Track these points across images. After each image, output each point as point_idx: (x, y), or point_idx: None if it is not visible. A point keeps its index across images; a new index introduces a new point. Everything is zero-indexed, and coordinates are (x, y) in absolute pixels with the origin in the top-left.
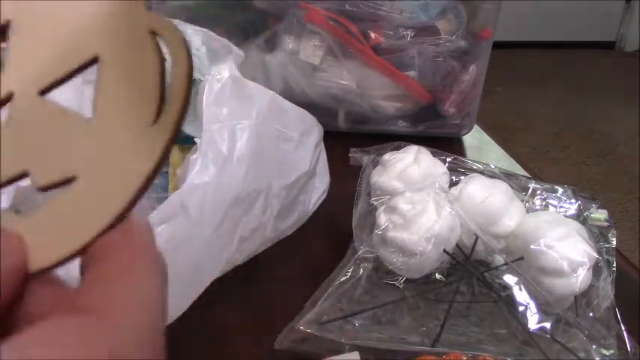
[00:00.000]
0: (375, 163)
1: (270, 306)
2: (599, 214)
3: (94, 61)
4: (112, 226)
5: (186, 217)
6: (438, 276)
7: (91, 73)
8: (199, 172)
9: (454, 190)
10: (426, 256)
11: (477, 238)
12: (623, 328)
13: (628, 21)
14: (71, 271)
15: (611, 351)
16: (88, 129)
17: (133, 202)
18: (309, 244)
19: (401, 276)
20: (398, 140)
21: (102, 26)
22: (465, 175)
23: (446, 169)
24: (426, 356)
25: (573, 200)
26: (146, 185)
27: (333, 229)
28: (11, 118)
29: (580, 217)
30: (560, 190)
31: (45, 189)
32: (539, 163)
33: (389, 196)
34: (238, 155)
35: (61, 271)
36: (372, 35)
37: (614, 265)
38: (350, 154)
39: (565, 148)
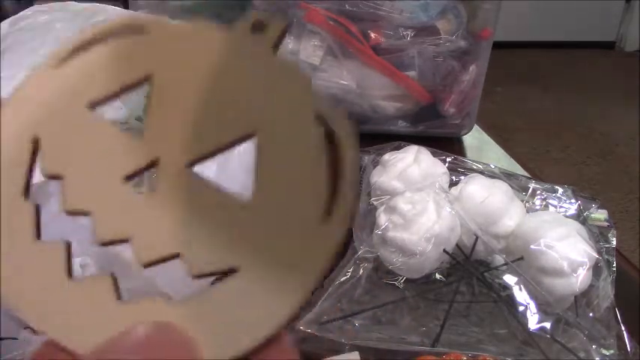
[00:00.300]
0: (375, 163)
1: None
2: (599, 214)
3: (249, 137)
4: (277, 334)
5: None
6: (438, 276)
7: None
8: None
9: (454, 190)
10: (426, 256)
11: (476, 238)
12: (623, 328)
13: (628, 21)
14: None
15: (611, 351)
16: (249, 214)
17: (301, 307)
18: None
19: (401, 276)
20: (398, 140)
21: (262, 100)
22: (465, 175)
23: (446, 169)
24: (426, 356)
25: (573, 200)
26: (316, 287)
27: None
28: (157, 189)
29: (580, 217)
30: (560, 190)
31: (199, 277)
32: (539, 163)
33: (389, 196)
34: (238, 153)
35: None
36: (372, 35)
37: (614, 265)
38: None
39: (565, 148)
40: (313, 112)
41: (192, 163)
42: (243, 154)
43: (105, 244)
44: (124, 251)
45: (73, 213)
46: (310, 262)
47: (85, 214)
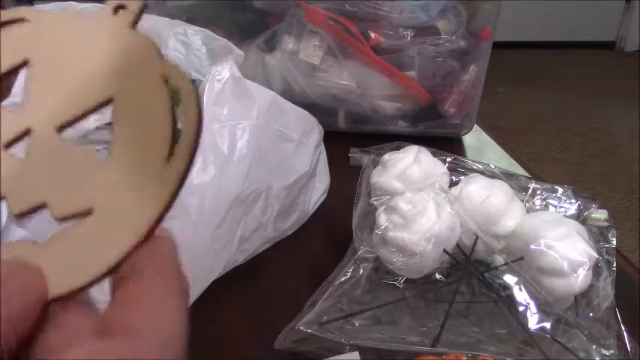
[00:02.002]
0: (375, 163)
1: (271, 306)
2: (599, 214)
3: (108, 101)
4: (120, 262)
5: (187, 218)
6: (438, 276)
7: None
8: (200, 173)
9: (454, 190)
10: (426, 256)
11: (476, 238)
12: (623, 328)
13: (628, 21)
14: (96, 294)
15: (611, 351)
16: (105, 165)
17: (144, 238)
18: (309, 244)
19: (401, 276)
20: (398, 140)
21: (116, 69)
22: (465, 175)
23: (446, 169)
24: (426, 356)
25: (573, 200)
26: (156, 223)
27: (333, 229)
28: (30, 152)
29: (580, 217)
30: (560, 190)
31: (62, 220)
32: (539, 163)
33: (389, 196)
34: (239, 156)
35: (93, 292)
36: (372, 35)
37: (614, 265)
38: (350, 154)
39: (565, 148)
40: (159, 75)
41: (61, 129)
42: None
43: None
44: None
45: None
46: (148, 202)
47: None
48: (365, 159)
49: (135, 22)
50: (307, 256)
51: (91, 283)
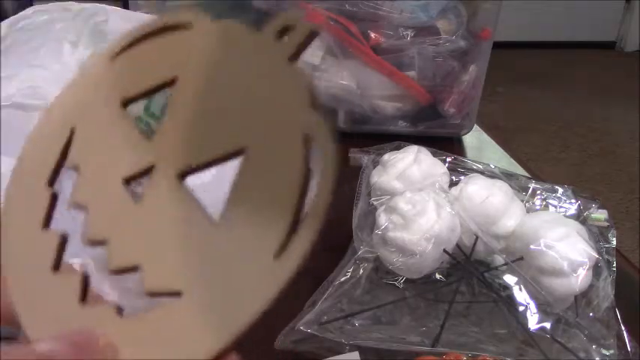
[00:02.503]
0: (375, 163)
1: (270, 306)
2: (599, 214)
3: (240, 152)
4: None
5: None
6: (438, 276)
7: None
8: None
9: (454, 190)
10: (426, 256)
11: (476, 238)
12: (623, 328)
13: (628, 21)
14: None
15: (611, 351)
16: (215, 236)
17: (238, 337)
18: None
19: (401, 276)
20: (398, 140)
21: (260, 118)
22: (465, 175)
23: (446, 169)
24: (426, 356)
25: (573, 200)
26: (260, 313)
27: (333, 229)
28: (145, 195)
29: (580, 217)
30: (560, 190)
31: (154, 295)
32: (539, 163)
33: (389, 196)
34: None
35: None
36: (372, 35)
37: (614, 265)
38: (350, 155)
39: (565, 148)
40: (302, 135)
41: (183, 174)
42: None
43: (89, 242)
44: None
45: (75, 206)
46: (256, 295)
47: (83, 208)
48: (365, 159)
49: (296, 55)
50: (307, 256)
51: None
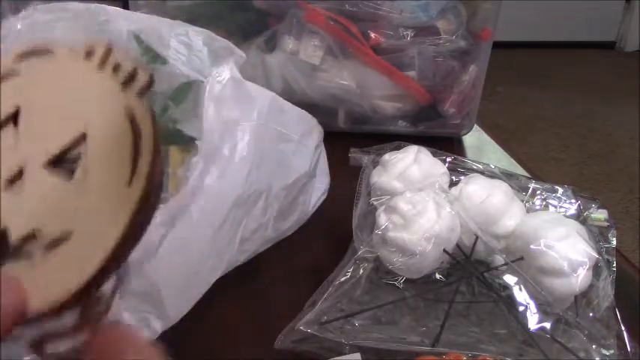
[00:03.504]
0: (375, 163)
1: (270, 306)
2: (599, 214)
3: (83, 137)
4: (97, 275)
5: (188, 219)
6: (438, 276)
7: None
8: (201, 175)
9: (454, 190)
10: (426, 256)
11: (476, 238)
12: (623, 328)
13: (628, 21)
14: None
15: (611, 351)
16: (81, 190)
17: (115, 252)
18: (310, 244)
19: (401, 276)
20: (398, 140)
21: (88, 107)
22: (465, 175)
23: (446, 169)
24: (426, 356)
25: (573, 200)
26: (126, 235)
27: (333, 229)
28: (22, 188)
29: (580, 217)
30: (560, 190)
31: (51, 246)
32: (539, 163)
33: (389, 196)
34: (239, 157)
35: None
36: (372, 35)
37: (614, 265)
38: (350, 154)
39: (565, 148)
40: (124, 111)
41: (50, 164)
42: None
43: None
44: None
45: None
46: (116, 218)
47: None
48: (365, 159)
49: (101, 64)
50: (307, 256)
51: (65, 305)
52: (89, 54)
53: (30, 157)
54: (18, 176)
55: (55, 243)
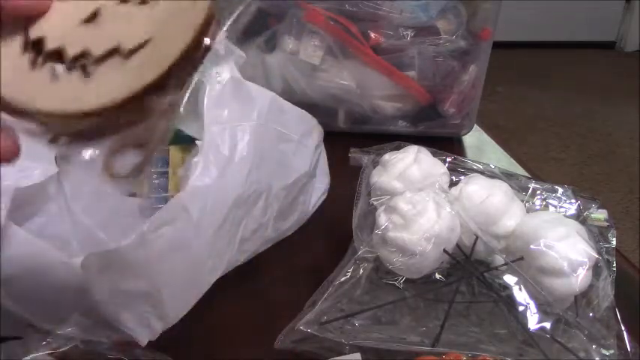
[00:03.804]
0: (375, 163)
1: (271, 306)
2: (599, 214)
3: None
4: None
5: (188, 219)
6: (438, 276)
7: None
8: (201, 175)
9: (454, 190)
10: (426, 256)
11: (476, 238)
12: (623, 328)
13: (628, 21)
14: None
15: (611, 351)
16: (151, 13)
17: (181, 59)
18: (310, 244)
19: (401, 276)
20: (398, 140)
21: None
22: (465, 175)
23: (446, 169)
24: (426, 356)
25: (573, 200)
26: (190, 49)
27: (333, 229)
28: (101, 21)
29: (580, 217)
30: (560, 190)
31: (128, 54)
32: (539, 163)
33: (389, 196)
34: (239, 157)
35: None
36: (372, 35)
37: (614, 265)
38: (350, 154)
39: (565, 148)
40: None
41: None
42: None
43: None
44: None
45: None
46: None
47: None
48: (365, 159)
49: None
50: (307, 256)
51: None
52: None
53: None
54: (93, 17)
55: (130, 53)
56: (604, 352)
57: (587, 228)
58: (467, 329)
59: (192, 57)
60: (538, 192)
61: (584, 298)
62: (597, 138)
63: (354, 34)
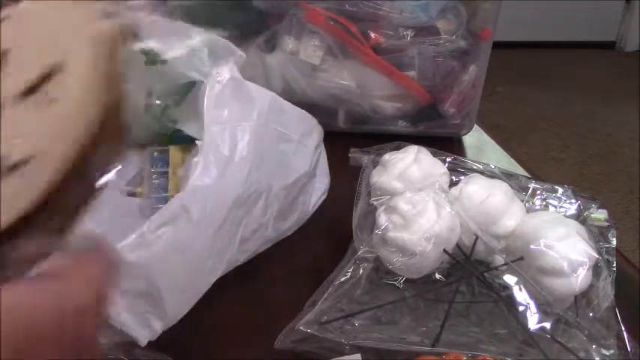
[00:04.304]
0: (375, 163)
1: (271, 306)
2: (599, 214)
3: (59, 67)
4: (52, 190)
5: (188, 219)
6: (438, 276)
7: None
8: (201, 175)
9: (454, 190)
10: (426, 256)
11: (476, 238)
12: (623, 328)
13: (628, 21)
14: None
15: (611, 351)
16: (45, 115)
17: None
18: (310, 244)
19: (401, 276)
20: (398, 140)
21: (61, 37)
22: (465, 175)
23: (446, 169)
24: (426, 356)
25: (573, 200)
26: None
27: (333, 229)
28: None
29: (580, 217)
30: (560, 190)
31: (13, 168)
32: (539, 163)
33: (389, 196)
34: (239, 157)
35: None
36: (372, 35)
37: (614, 265)
38: (350, 154)
39: (565, 148)
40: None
41: (23, 94)
42: None
43: None
44: None
45: None
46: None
47: None
48: (365, 159)
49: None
50: (307, 256)
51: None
52: None
53: (8, 90)
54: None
55: (17, 165)
56: (604, 352)
57: (587, 228)
58: (467, 329)
59: (83, 176)
60: (538, 192)
61: (584, 298)
62: (597, 138)
63: (354, 34)
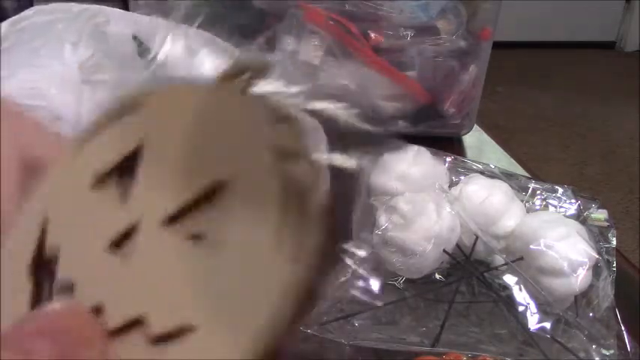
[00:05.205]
0: (375, 163)
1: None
2: (599, 214)
3: (217, 186)
4: None
5: None
6: (438, 276)
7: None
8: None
9: (454, 190)
10: (426, 256)
11: (476, 238)
12: (623, 328)
13: (628, 21)
14: None
15: (611, 351)
16: (214, 265)
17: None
18: None
19: (401, 276)
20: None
21: (224, 146)
22: (465, 175)
23: (446, 169)
24: (426, 356)
25: (573, 200)
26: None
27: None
28: (132, 253)
29: (580, 217)
30: (560, 190)
31: (158, 340)
32: (539, 163)
33: (389, 196)
34: None
35: None
36: (372, 35)
37: (614, 265)
38: (350, 154)
39: (565, 148)
40: (268, 147)
41: (169, 222)
42: None
43: None
44: None
45: (62, 285)
46: (265, 298)
47: (71, 284)
48: (365, 159)
49: (246, 87)
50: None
51: None
52: (236, 74)
53: (148, 210)
54: (125, 237)
55: (167, 336)
56: (604, 352)
57: (587, 228)
58: (467, 329)
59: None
60: (538, 192)
61: (584, 298)
62: (597, 138)
63: (354, 34)
